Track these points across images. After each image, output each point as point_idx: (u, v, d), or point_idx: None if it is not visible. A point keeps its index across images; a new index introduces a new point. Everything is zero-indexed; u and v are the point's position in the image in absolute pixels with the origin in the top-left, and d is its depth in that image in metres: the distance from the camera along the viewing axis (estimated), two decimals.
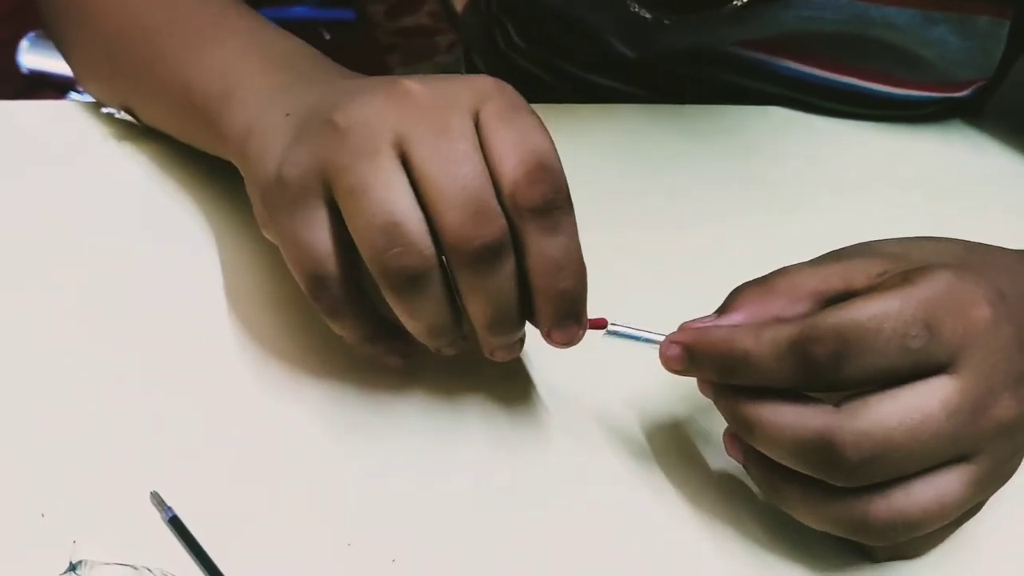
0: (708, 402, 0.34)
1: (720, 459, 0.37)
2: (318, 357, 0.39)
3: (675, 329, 0.34)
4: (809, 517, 0.32)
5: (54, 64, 1.14)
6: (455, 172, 0.31)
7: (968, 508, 0.32)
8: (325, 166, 0.32)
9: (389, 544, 0.34)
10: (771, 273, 0.34)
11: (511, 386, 0.39)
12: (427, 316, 0.33)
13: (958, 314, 0.30)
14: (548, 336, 0.34)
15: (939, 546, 0.34)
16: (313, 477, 0.35)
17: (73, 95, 1.11)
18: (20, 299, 0.40)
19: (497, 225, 0.32)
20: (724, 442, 0.34)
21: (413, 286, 0.32)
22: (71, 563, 0.32)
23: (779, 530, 0.35)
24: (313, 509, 0.34)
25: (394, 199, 0.31)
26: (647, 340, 0.34)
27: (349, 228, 0.32)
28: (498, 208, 0.32)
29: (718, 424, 0.34)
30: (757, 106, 0.54)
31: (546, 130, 0.33)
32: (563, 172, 0.33)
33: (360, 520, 0.34)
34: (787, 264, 0.34)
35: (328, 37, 1.57)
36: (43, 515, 0.33)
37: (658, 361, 0.34)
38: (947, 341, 0.30)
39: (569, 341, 0.34)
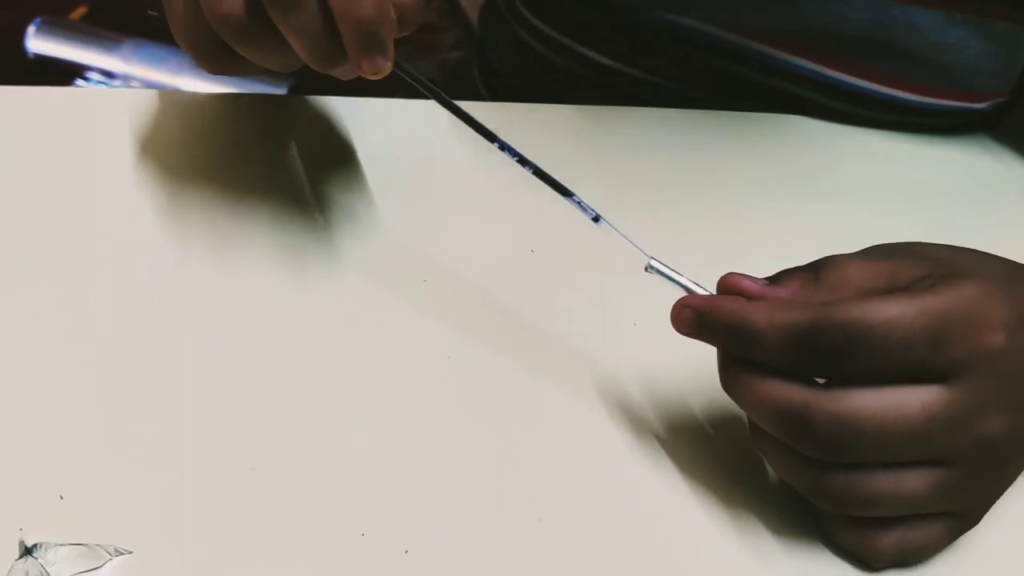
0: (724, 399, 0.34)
1: (727, 460, 0.38)
2: (327, 349, 0.39)
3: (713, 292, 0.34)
4: (781, 472, 0.34)
5: (61, 50, 1.13)
6: None
7: (936, 511, 0.33)
8: None
9: (402, 535, 0.34)
10: (820, 261, 0.35)
11: (525, 380, 0.39)
12: (298, 29, 0.35)
13: (970, 333, 0.31)
14: (358, 67, 0.36)
15: (938, 554, 0.35)
16: (326, 467, 0.36)
17: (79, 82, 1.10)
18: (15, 287, 0.40)
19: None
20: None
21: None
22: (25, 547, 0.31)
23: (778, 537, 0.35)
24: (327, 499, 0.35)
25: None
26: (683, 285, 0.35)
27: None
28: None
29: (727, 422, 0.35)
30: (778, 114, 0.54)
31: None
32: None
33: (373, 510, 0.35)
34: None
35: None
36: None
37: (673, 356, 0.34)
38: (950, 357, 0.31)
39: (376, 71, 0.35)
